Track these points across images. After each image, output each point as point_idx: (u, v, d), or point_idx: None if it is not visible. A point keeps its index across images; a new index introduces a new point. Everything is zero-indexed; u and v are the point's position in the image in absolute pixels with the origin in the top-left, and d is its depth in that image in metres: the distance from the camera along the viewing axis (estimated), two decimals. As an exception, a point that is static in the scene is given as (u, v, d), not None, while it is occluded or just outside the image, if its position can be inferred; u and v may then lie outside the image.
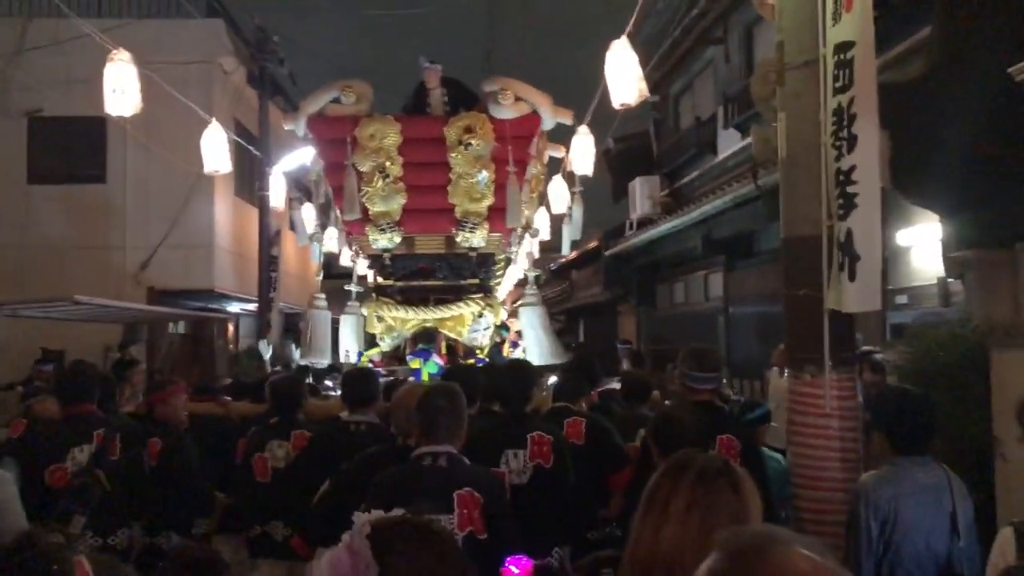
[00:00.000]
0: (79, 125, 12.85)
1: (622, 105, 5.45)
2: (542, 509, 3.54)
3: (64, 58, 11.78)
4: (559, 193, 8.42)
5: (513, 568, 2.52)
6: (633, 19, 5.35)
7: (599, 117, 6.87)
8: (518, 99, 6.41)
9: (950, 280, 6.56)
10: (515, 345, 7.44)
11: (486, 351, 7.11)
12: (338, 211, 7.05)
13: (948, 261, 6.25)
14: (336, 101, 6.58)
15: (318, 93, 6.69)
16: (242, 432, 4.81)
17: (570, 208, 7.90)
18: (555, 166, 8.07)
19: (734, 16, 11.79)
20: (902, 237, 7.34)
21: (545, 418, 4.19)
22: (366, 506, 2.72)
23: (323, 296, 7.54)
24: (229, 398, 5.98)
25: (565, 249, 8.90)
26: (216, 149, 7.32)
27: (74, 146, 13.25)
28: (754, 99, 5.30)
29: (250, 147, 12.41)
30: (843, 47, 4.33)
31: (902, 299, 7.52)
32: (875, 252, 3.99)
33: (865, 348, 5.82)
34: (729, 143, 11.86)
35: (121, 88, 5.95)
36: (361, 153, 6.46)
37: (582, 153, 7.13)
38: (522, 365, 4.45)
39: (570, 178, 8.12)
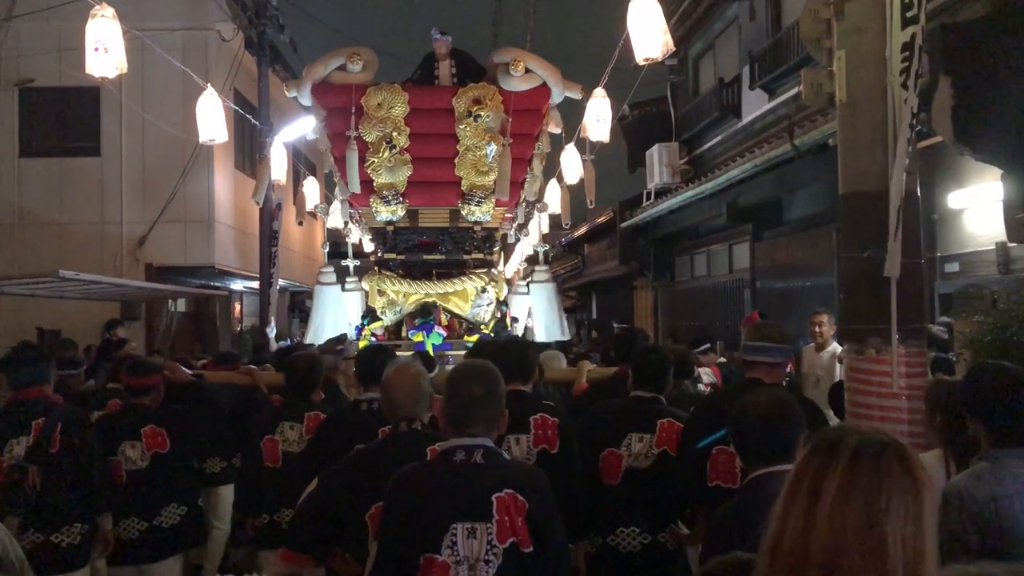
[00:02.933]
0: (72, 96, 12.38)
1: (646, 60, 5.23)
2: None
3: (56, 25, 11.29)
4: (572, 163, 8.12)
5: None
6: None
7: (611, 84, 6.81)
8: (528, 71, 6.28)
9: (1011, 244, 6.00)
10: (514, 320, 7.23)
11: (490, 326, 6.95)
12: (343, 183, 6.87)
13: (1011, 223, 5.70)
14: (342, 69, 6.39)
15: (323, 60, 6.46)
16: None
17: (582, 175, 7.85)
18: (557, 139, 7.84)
19: (759, -31, 11.15)
20: (954, 199, 6.76)
21: (630, 410, 3.66)
22: (385, 509, 2.35)
23: (331, 270, 7.40)
24: (253, 366, 5.63)
25: (566, 220, 8.65)
26: (212, 117, 7.09)
27: (67, 118, 12.79)
28: (802, 39, 4.76)
29: (249, 116, 11.90)
30: (916, -31, 3.77)
31: (952, 267, 6.95)
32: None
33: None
34: (755, 105, 11.27)
35: (104, 46, 5.51)
36: (368, 123, 6.30)
37: (598, 117, 6.98)
38: (521, 341, 3.98)
39: (582, 146, 7.97)
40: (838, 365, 5.98)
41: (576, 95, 6.57)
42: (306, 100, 6.55)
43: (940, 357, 4.82)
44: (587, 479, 3.46)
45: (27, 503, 3.43)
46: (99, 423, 4.15)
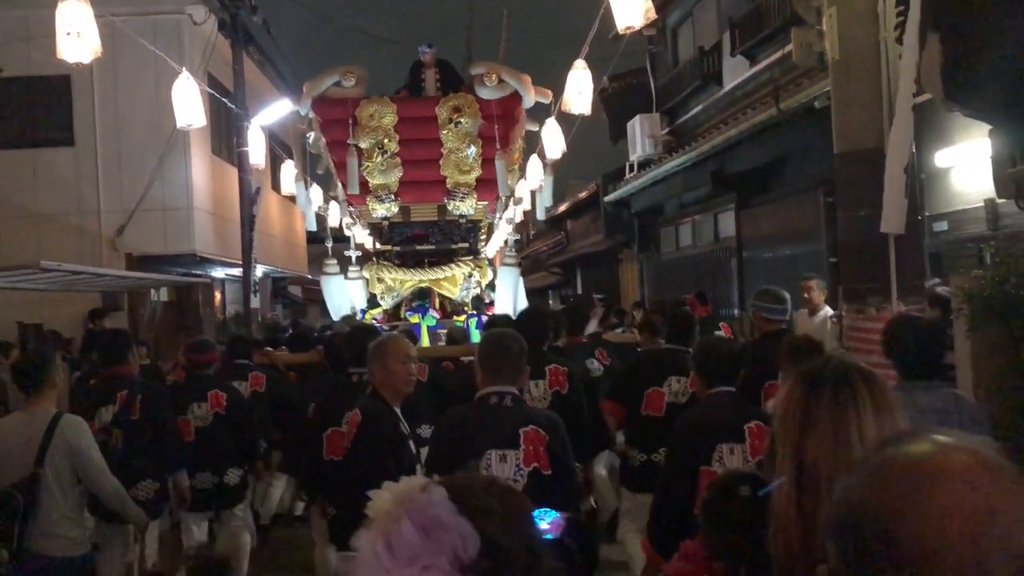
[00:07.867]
0: (42, 85, 12.08)
1: (627, 28, 5.09)
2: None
3: (22, 12, 11.04)
4: (554, 140, 8.09)
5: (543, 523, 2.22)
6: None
7: (590, 56, 6.71)
8: (501, 81, 6.99)
9: (1000, 201, 5.98)
10: (491, 303, 7.95)
11: (470, 305, 7.78)
12: (340, 184, 7.67)
13: (1000, 179, 5.67)
14: (337, 84, 7.18)
15: (321, 77, 7.24)
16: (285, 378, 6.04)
17: (542, 181, 8.38)
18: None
19: (737, -66, 11.03)
20: (941, 158, 6.74)
21: (668, 357, 4.61)
22: (435, 440, 3.14)
23: (334, 261, 8.24)
24: (270, 348, 6.52)
25: (540, 215, 9.38)
26: (189, 102, 6.94)
27: (38, 107, 12.47)
28: (791, -2, 4.70)
29: (225, 100, 11.69)
30: (908, -81, 3.72)
31: (940, 226, 6.94)
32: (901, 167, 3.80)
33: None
34: (737, 72, 11.18)
35: (76, 31, 5.36)
36: (361, 132, 7.13)
37: (579, 90, 6.87)
38: (540, 311, 5.23)
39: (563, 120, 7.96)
40: (830, 328, 5.99)
41: (546, 100, 7.22)
42: (306, 112, 7.32)
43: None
44: (593, 414, 4.48)
45: (112, 461, 3.87)
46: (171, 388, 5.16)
